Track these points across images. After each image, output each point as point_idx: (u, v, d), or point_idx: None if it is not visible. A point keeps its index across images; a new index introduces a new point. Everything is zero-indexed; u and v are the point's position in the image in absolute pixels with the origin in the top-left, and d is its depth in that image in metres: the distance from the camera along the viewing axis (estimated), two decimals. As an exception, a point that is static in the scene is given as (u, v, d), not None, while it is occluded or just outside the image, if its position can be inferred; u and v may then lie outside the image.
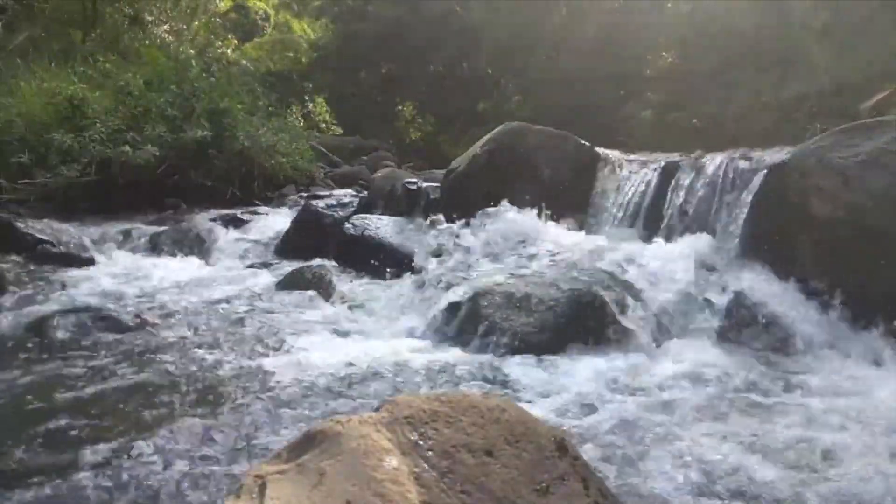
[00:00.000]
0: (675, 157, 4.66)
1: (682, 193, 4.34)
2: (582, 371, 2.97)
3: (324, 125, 18.36)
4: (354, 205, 6.16)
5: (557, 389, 2.75)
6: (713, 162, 4.28)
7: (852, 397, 2.71)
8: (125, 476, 1.96)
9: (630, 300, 3.44)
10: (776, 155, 3.90)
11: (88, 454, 2.09)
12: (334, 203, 6.21)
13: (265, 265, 5.36)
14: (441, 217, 5.01)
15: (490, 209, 4.81)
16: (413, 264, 4.50)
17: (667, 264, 3.71)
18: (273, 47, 19.10)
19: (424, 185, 5.78)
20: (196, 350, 3.20)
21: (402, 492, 1.21)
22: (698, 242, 3.95)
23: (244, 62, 12.75)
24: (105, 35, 10.39)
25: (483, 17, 18.38)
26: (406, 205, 5.69)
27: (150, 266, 5.16)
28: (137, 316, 3.69)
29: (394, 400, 1.51)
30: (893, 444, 2.24)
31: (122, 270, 4.97)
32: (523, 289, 3.49)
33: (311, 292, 4.36)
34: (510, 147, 5.18)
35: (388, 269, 4.50)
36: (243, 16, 18.87)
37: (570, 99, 15.57)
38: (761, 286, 3.54)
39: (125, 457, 2.08)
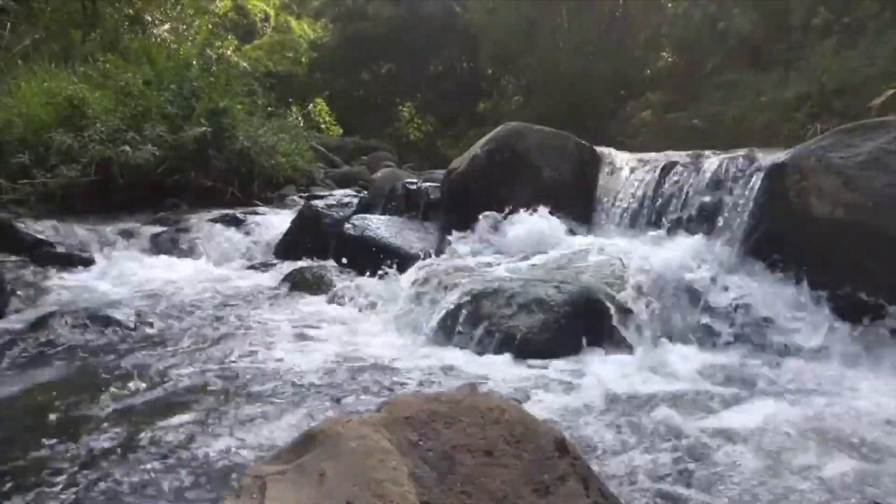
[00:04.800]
0: (675, 156, 4.65)
1: (682, 194, 4.34)
2: (582, 372, 2.97)
3: (324, 125, 18.34)
4: (354, 205, 6.15)
5: (557, 390, 2.75)
6: (713, 162, 4.28)
7: (851, 399, 2.70)
8: (124, 476, 1.96)
9: (630, 301, 3.44)
10: (776, 155, 3.89)
11: (88, 454, 2.09)
12: (334, 203, 6.21)
13: (265, 265, 5.37)
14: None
15: (489, 213, 4.80)
16: (413, 264, 4.49)
17: (666, 265, 3.70)
18: (273, 48, 19.10)
19: (424, 185, 5.77)
20: (195, 350, 3.20)
21: (402, 492, 1.21)
22: (698, 243, 3.94)
23: (244, 63, 12.75)
24: (105, 35, 10.39)
25: (483, 17, 18.41)
26: (406, 205, 5.68)
27: (150, 266, 5.16)
28: (137, 316, 3.69)
29: (394, 400, 1.51)
30: (888, 446, 2.23)
31: (121, 271, 4.97)
32: (523, 289, 3.49)
33: (310, 293, 4.36)
34: (510, 147, 5.18)
35: (389, 270, 4.50)
36: (243, 16, 18.86)
37: (570, 99, 15.60)
38: (760, 287, 3.53)
39: (124, 457, 2.08)
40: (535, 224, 4.62)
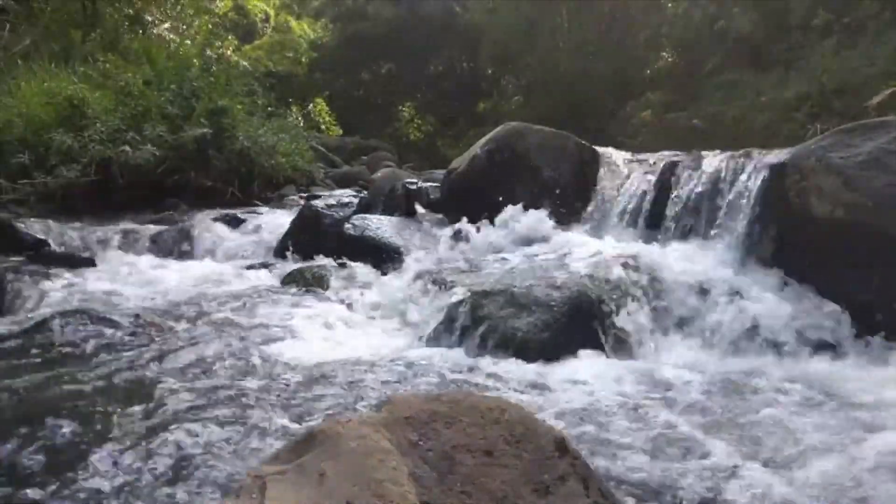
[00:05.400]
0: (675, 157, 4.66)
1: (682, 194, 4.34)
2: (581, 372, 2.97)
3: (324, 125, 18.33)
4: (354, 205, 6.15)
5: (557, 390, 2.75)
6: (713, 162, 4.28)
7: (852, 399, 2.70)
8: (124, 477, 1.96)
9: (630, 301, 3.44)
10: (776, 155, 3.90)
11: (88, 455, 2.09)
12: (334, 203, 6.20)
13: (265, 265, 5.36)
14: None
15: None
16: (413, 264, 4.49)
17: (666, 265, 3.70)
18: (273, 48, 19.09)
19: (424, 185, 5.77)
20: (195, 350, 3.20)
21: (402, 492, 1.21)
22: (698, 243, 3.94)
23: (244, 63, 12.74)
24: (105, 35, 10.40)
25: (483, 17, 18.41)
26: (406, 205, 5.68)
27: (150, 266, 5.16)
28: (137, 316, 3.69)
29: (394, 400, 1.51)
30: (890, 447, 2.23)
31: (121, 271, 4.97)
32: (523, 289, 3.49)
33: (310, 292, 4.37)
34: (510, 147, 5.18)
35: (388, 270, 4.50)
36: (243, 16, 18.86)
37: (570, 99, 15.60)
38: (761, 287, 3.53)
39: (124, 457, 2.07)
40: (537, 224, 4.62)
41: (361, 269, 4.68)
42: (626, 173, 4.89)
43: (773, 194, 3.74)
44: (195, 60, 9.25)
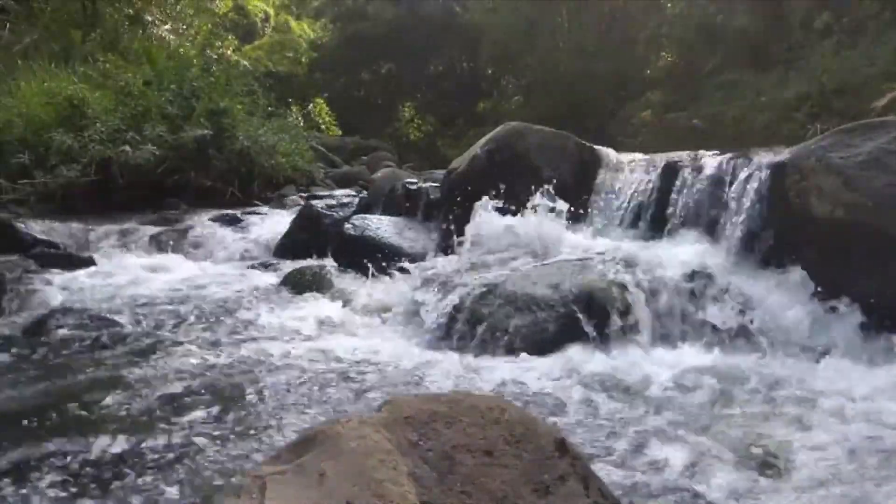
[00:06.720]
0: (675, 157, 4.65)
1: (682, 194, 4.33)
2: (582, 372, 2.97)
3: (324, 125, 18.31)
4: (354, 205, 6.14)
5: (557, 390, 2.75)
6: (713, 162, 4.27)
7: (852, 399, 2.70)
8: (124, 477, 1.96)
9: (630, 301, 3.43)
10: (776, 155, 3.89)
11: (86, 455, 2.09)
12: (334, 203, 6.20)
13: (265, 265, 5.36)
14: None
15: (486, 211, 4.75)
16: (413, 264, 4.49)
17: (667, 265, 3.70)
18: (273, 48, 19.09)
19: (424, 185, 5.77)
20: (195, 350, 3.20)
21: (402, 492, 1.21)
22: (698, 243, 3.94)
23: (244, 63, 12.74)
24: (105, 35, 10.40)
25: (483, 17, 18.42)
26: (406, 205, 5.68)
27: (150, 266, 5.16)
28: (136, 316, 3.69)
29: (394, 400, 1.51)
30: (890, 446, 2.23)
31: (121, 271, 4.97)
32: (523, 289, 3.49)
33: (310, 292, 4.36)
34: (510, 147, 5.17)
35: (388, 270, 4.50)
36: (243, 16, 18.85)
37: (570, 99, 15.60)
38: (761, 287, 3.53)
39: (124, 457, 2.07)
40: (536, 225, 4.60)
41: (361, 270, 4.68)
42: (626, 173, 4.88)
43: (773, 194, 3.73)
44: (195, 60, 9.25)
